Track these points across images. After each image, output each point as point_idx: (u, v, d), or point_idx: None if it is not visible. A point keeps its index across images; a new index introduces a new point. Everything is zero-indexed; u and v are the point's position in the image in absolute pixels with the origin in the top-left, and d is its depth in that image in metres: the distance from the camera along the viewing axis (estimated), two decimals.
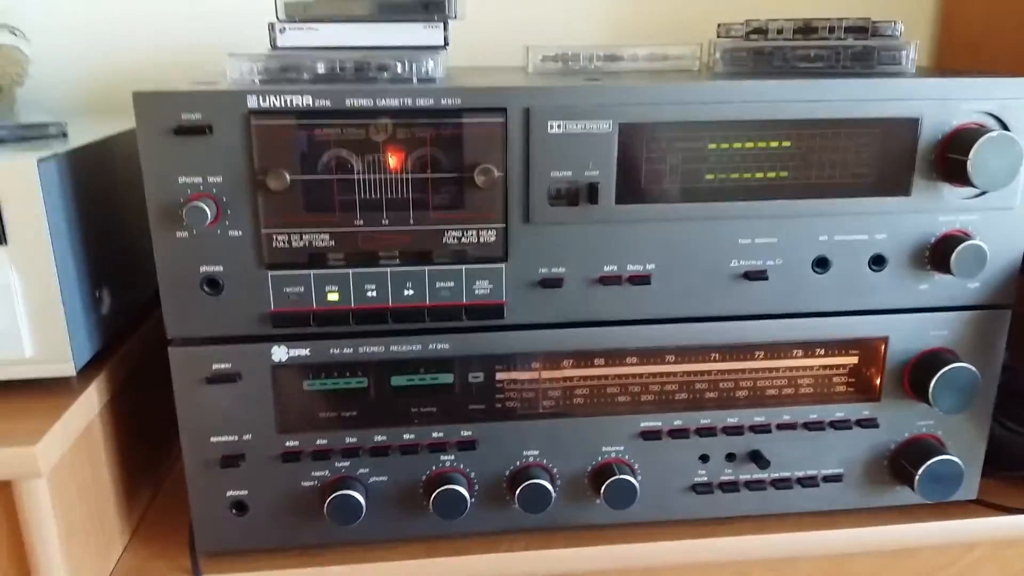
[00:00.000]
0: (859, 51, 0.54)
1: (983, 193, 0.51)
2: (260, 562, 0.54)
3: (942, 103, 0.50)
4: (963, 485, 0.57)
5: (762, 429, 0.56)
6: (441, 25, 0.61)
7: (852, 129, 0.50)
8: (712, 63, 0.58)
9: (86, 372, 0.52)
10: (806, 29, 0.55)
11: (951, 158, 0.50)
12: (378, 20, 0.61)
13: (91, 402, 0.52)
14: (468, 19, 0.72)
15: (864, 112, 0.50)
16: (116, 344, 0.57)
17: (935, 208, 0.52)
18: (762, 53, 0.56)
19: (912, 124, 0.50)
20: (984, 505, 0.60)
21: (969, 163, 0.48)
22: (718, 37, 0.57)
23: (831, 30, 0.55)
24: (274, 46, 0.61)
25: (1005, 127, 0.50)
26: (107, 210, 0.56)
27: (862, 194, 0.51)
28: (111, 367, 0.55)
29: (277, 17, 0.61)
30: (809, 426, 0.56)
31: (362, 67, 0.53)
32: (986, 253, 0.51)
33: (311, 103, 0.47)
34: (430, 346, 0.52)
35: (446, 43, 0.62)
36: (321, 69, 0.52)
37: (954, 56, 0.83)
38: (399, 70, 0.53)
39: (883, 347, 0.55)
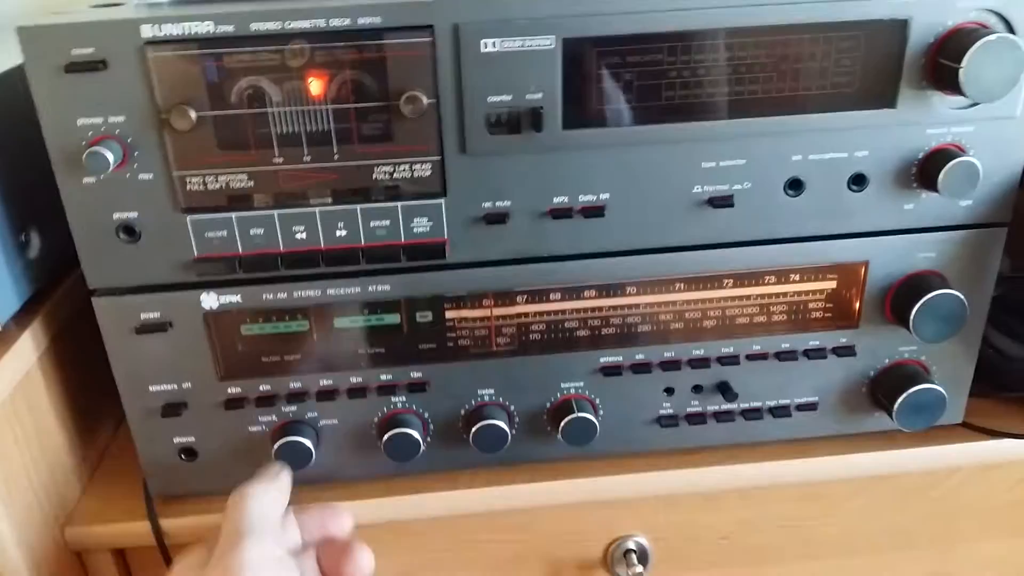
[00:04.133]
0: None
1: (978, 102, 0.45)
2: (217, 505, 0.53)
3: (935, 0, 0.43)
4: (948, 409, 0.54)
5: (730, 361, 0.52)
6: None
7: (830, 34, 0.44)
8: None
9: (20, 319, 0.50)
10: None
11: (942, 64, 0.43)
12: None
13: (25, 352, 0.50)
14: None
15: (843, 15, 0.43)
16: (51, 288, 0.54)
17: (924, 120, 0.46)
18: None
19: (900, 26, 0.43)
20: (970, 428, 0.57)
21: (962, 72, 0.42)
22: None
23: None
24: None
25: (1010, 26, 0.44)
26: (27, 144, 0.52)
27: (841, 107, 0.45)
28: (46, 313, 0.52)
29: None
30: (781, 356, 0.53)
31: None
32: (979, 170, 0.46)
33: (212, 29, 0.42)
34: (370, 288, 0.49)
35: None
36: None
37: None
38: None
39: (863, 272, 0.51)
